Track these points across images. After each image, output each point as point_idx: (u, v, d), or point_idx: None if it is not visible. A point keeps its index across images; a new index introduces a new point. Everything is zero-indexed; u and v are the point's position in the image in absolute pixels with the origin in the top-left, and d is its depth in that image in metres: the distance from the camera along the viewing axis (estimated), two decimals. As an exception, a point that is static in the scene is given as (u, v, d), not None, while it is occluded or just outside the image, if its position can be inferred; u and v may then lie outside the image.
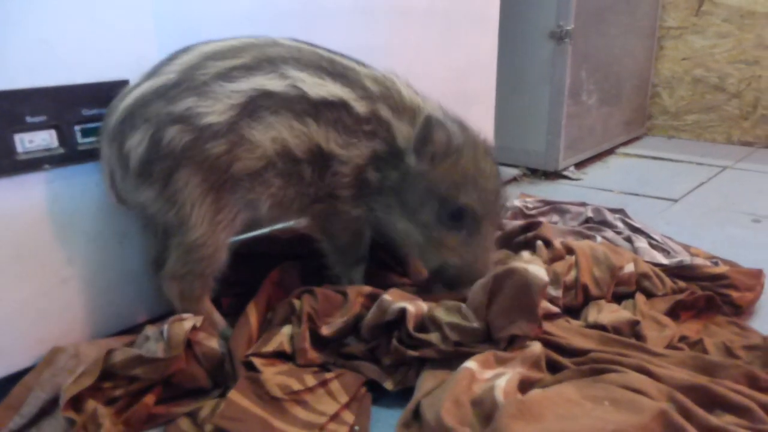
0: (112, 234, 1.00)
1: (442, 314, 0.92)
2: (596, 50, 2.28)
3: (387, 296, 0.94)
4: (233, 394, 0.81)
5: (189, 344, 0.91)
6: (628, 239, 1.42)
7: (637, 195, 2.02)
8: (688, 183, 2.13)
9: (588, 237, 1.45)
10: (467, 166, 1.02)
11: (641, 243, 1.39)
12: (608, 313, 1.09)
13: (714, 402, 0.81)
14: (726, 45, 2.53)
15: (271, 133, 0.94)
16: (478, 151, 1.05)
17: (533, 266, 0.90)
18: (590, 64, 2.25)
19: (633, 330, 1.04)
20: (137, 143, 0.89)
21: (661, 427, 0.73)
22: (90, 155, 0.94)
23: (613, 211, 1.56)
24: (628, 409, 0.76)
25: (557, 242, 1.21)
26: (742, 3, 2.44)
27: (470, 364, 0.83)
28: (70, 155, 0.93)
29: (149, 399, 0.84)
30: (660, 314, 1.10)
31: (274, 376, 0.87)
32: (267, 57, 0.97)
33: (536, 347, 0.87)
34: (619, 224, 1.49)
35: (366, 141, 1.02)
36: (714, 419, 0.76)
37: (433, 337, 0.89)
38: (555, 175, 2.24)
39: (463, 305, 0.93)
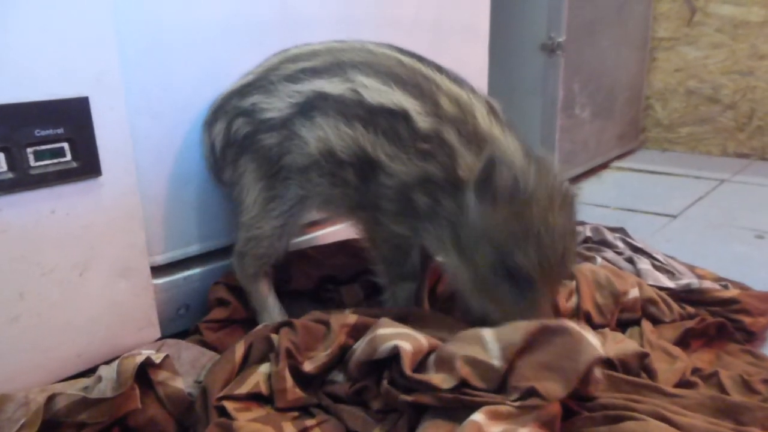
0: (71, 266, 0.91)
1: (455, 347, 0.79)
2: (588, 63, 2.22)
3: (381, 330, 0.84)
4: (201, 447, 0.72)
5: (151, 385, 0.82)
6: (630, 260, 1.35)
7: (633, 211, 1.95)
8: (686, 198, 2.06)
9: (587, 258, 1.37)
10: (533, 218, 0.86)
11: (644, 264, 1.31)
12: (614, 344, 1.00)
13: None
14: (719, 56, 2.48)
15: (318, 133, 0.98)
16: (553, 202, 0.87)
17: (591, 335, 0.77)
18: (582, 77, 2.19)
19: (641, 363, 0.95)
20: (218, 131, 1.05)
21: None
22: (44, 180, 0.85)
23: (613, 230, 1.48)
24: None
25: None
26: (735, 13, 2.40)
27: (477, 416, 0.72)
28: (20, 180, 0.83)
29: (103, 451, 0.75)
30: (669, 344, 1.02)
31: (248, 423, 0.78)
32: (338, 61, 1.00)
33: (555, 407, 0.76)
34: (620, 244, 1.41)
35: (417, 160, 0.94)
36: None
37: (435, 377, 0.78)
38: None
39: (487, 336, 0.79)
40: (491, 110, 0.97)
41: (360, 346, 0.84)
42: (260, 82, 1.03)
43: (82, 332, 0.93)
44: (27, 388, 0.86)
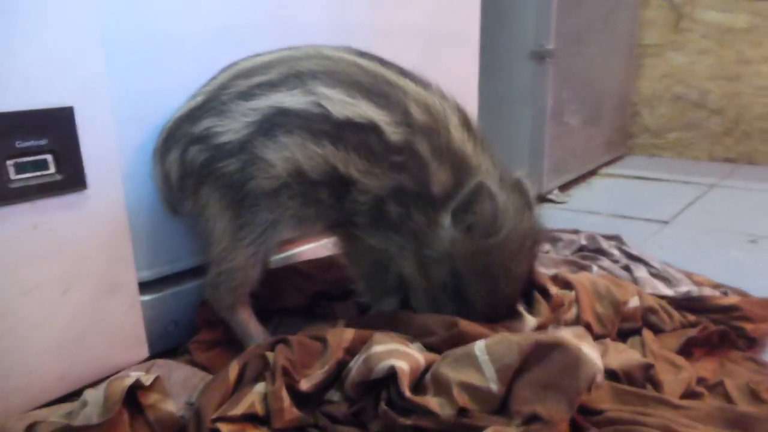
0: (55, 283, 0.86)
1: (449, 370, 0.76)
2: (576, 70, 2.21)
3: (376, 347, 0.81)
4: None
5: (140, 408, 0.78)
6: (627, 268, 1.33)
7: (625, 217, 1.94)
8: (676, 203, 2.06)
9: (583, 267, 1.36)
10: (497, 262, 0.89)
11: (641, 272, 1.30)
12: (616, 354, 0.98)
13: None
14: (706, 61, 2.49)
15: (284, 153, 0.91)
16: (521, 246, 0.90)
17: (587, 347, 0.74)
18: (571, 84, 2.18)
19: (647, 375, 0.93)
20: (173, 161, 0.97)
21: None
22: (25, 194, 0.81)
23: (608, 237, 1.47)
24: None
25: (555, 290, 1.08)
26: (722, 19, 2.42)
27: None
28: (1, 194, 0.79)
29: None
30: (672, 354, 1.00)
31: (243, 448, 0.75)
32: (296, 72, 0.93)
33: (561, 426, 0.74)
34: (616, 252, 1.40)
35: (391, 173, 0.91)
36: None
37: (433, 402, 0.75)
38: (539, 198, 2.15)
39: (481, 354, 0.77)
40: (464, 121, 0.94)
41: (355, 366, 0.81)
42: (211, 104, 0.94)
43: (65, 353, 0.89)
44: (5, 416, 0.82)
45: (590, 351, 0.74)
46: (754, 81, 2.41)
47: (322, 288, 1.11)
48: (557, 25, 2.01)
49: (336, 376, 0.84)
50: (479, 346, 0.78)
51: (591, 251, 1.41)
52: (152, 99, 0.99)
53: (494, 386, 0.74)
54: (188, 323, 1.08)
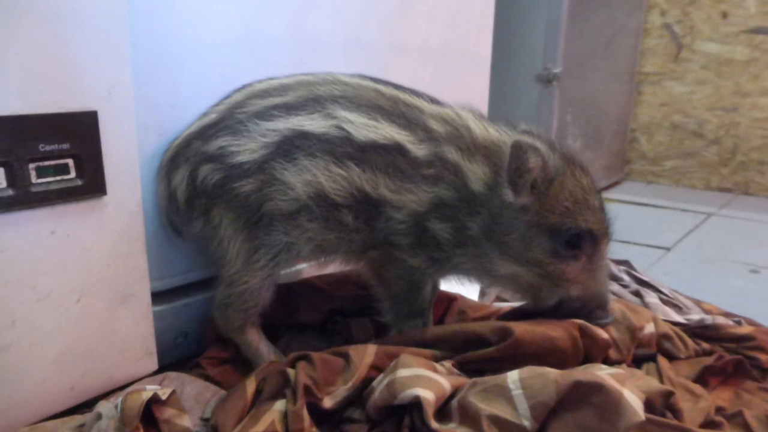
0: (68, 291, 0.84)
1: (478, 401, 0.74)
2: (579, 95, 2.23)
3: (401, 371, 0.79)
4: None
5: (155, 423, 0.76)
6: (637, 293, 1.33)
7: (627, 243, 1.94)
8: (677, 230, 2.07)
9: (593, 290, 1.35)
10: (572, 186, 0.90)
11: (652, 298, 1.29)
12: (634, 380, 0.97)
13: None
14: (704, 91, 2.53)
15: (305, 177, 0.90)
16: (575, 168, 0.92)
17: (629, 392, 0.72)
18: (575, 108, 2.20)
19: (666, 402, 0.92)
20: (180, 181, 0.94)
21: None
22: (45, 199, 0.79)
23: (618, 262, 1.47)
24: None
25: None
26: (721, 50, 2.46)
27: None
28: (20, 198, 0.77)
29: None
30: (690, 382, 0.99)
31: (263, 467, 0.72)
32: (314, 96, 0.93)
33: None
34: (625, 277, 1.39)
35: (426, 186, 0.91)
36: None
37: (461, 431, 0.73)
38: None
39: (514, 387, 0.74)
40: (480, 116, 0.97)
41: (378, 388, 0.79)
42: (226, 122, 0.93)
43: (76, 363, 0.86)
44: (13, 426, 0.79)
45: (632, 397, 0.72)
46: (752, 113, 2.44)
47: (337, 304, 1.09)
48: (562, 49, 2.03)
49: (359, 393, 0.82)
50: (513, 378, 0.76)
51: (600, 275, 1.41)
52: (171, 107, 0.98)
53: (527, 423, 0.72)
54: (198, 335, 1.05)
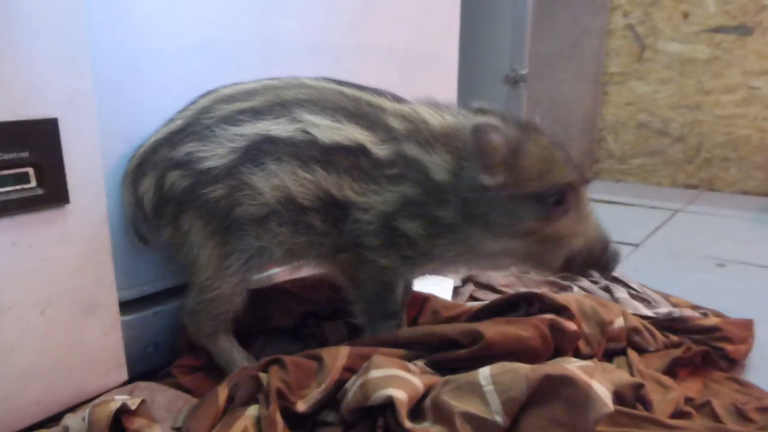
0: (32, 304, 0.82)
1: (451, 398, 0.75)
2: (547, 95, 2.27)
3: (374, 372, 0.79)
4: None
5: (126, 435, 0.75)
6: (606, 289, 1.35)
7: (597, 240, 1.97)
8: (645, 227, 2.11)
9: (563, 288, 1.37)
10: (537, 149, 0.90)
11: (621, 293, 1.31)
12: (605, 374, 0.98)
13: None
14: (668, 90, 2.58)
15: (273, 181, 0.90)
16: (532, 132, 0.92)
17: (598, 384, 0.73)
18: (542, 109, 2.23)
19: (637, 394, 0.93)
20: (147, 188, 0.94)
21: None
22: (5, 209, 0.77)
23: (587, 259, 1.48)
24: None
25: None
26: (683, 50, 2.51)
27: None
28: (-22, 209, 0.75)
29: None
30: (660, 374, 1.01)
31: (236, 474, 0.71)
32: (281, 100, 0.93)
33: None
34: (595, 273, 1.41)
35: (390, 186, 0.91)
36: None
37: (434, 430, 0.73)
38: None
39: (486, 384, 0.75)
40: (435, 105, 0.98)
41: (351, 390, 0.79)
42: (192, 128, 0.92)
43: (42, 376, 0.84)
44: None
45: (601, 389, 0.73)
46: (714, 110, 2.50)
47: (310, 308, 1.09)
48: (529, 50, 2.06)
49: (332, 396, 0.82)
50: (484, 375, 0.76)
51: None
52: (135, 114, 0.97)
53: (499, 419, 0.72)
54: (169, 345, 1.04)
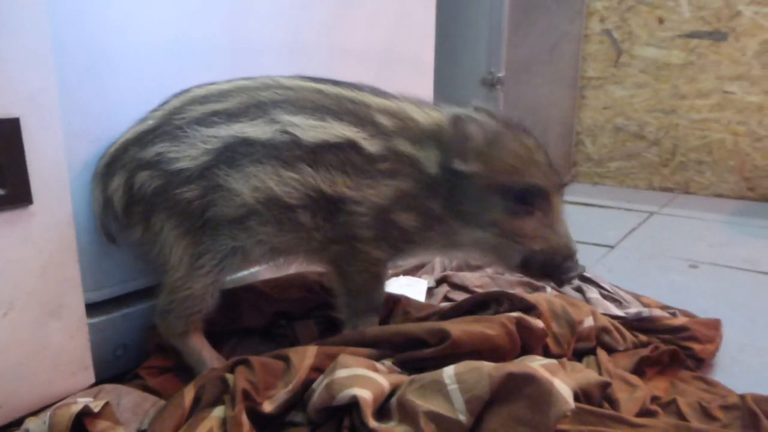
0: (-6, 305, 0.81)
1: (416, 397, 0.75)
2: (524, 99, 2.28)
3: (340, 372, 0.79)
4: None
5: (89, 438, 0.74)
6: (579, 289, 1.36)
7: (573, 242, 1.99)
8: (620, 229, 2.13)
9: (537, 288, 1.38)
10: (515, 146, 0.94)
11: (593, 293, 1.33)
12: (573, 374, 0.99)
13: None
14: (644, 95, 2.62)
15: (253, 183, 0.90)
16: (517, 131, 0.96)
17: (560, 382, 0.75)
18: (520, 112, 2.24)
19: (604, 393, 0.94)
20: (116, 188, 0.93)
21: None
22: (-35, 209, 0.76)
23: (561, 260, 1.50)
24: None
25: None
26: (658, 55, 2.55)
27: None
28: (-62, 209, 0.74)
29: None
30: (627, 373, 1.02)
31: (199, 475, 0.71)
32: (256, 102, 0.93)
33: None
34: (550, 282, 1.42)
35: (385, 180, 0.94)
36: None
37: (398, 431, 0.74)
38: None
39: (450, 383, 0.75)
40: (419, 102, 1.01)
41: (318, 390, 0.79)
42: (163, 128, 0.92)
43: (5, 380, 0.83)
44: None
45: (562, 387, 0.74)
46: (689, 114, 2.54)
47: (282, 308, 1.08)
48: (506, 53, 2.07)
49: (300, 396, 0.82)
50: (449, 374, 0.77)
51: (544, 274, 1.43)
52: (102, 113, 0.96)
53: (463, 417, 0.73)
54: (138, 347, 1.03)
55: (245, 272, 1.17)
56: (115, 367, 1.01)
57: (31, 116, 0.81)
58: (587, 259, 1.73)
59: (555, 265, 0.96)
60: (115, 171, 0.93)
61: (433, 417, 0.73)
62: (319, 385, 0.80)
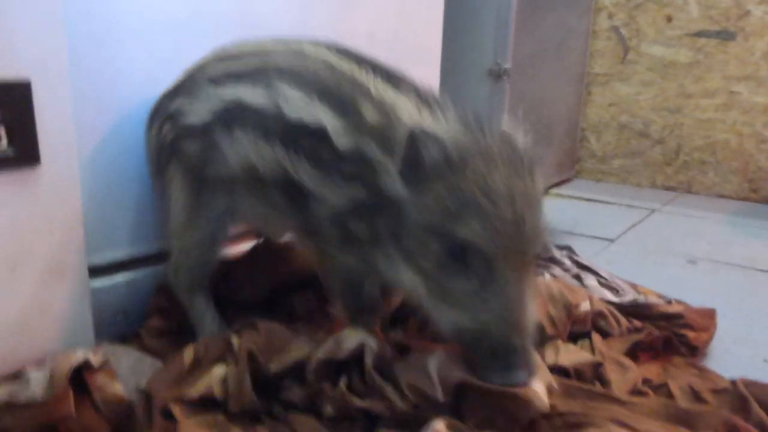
0: (1, 260, 0.83)
1: (402, 369, 0.76)
2: (530, 93, 2.29)
3: (348, 330, 0.81)
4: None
5: (87, 389, 0.75)
6: (577, 277, 1.37)
7: (573, 234, 2.00)
8: (621, 224, 2.14)
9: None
10: (467, 185, 0.72)
11: (590, 281, 1.34)
12: (568, 354, 1.01)
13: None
14: (650, 93, 2.62)
15: (237, 148, 0.90)
16: (493, 162, 0.73)
17: (537, 383, 0.75)
18: (525, 105, 2.25)
19: (596, 372, 0.96)
20: (153, 135, 1.00)
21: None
22: (-26, 167, 0.78)
23: (560, 247, 1.51)
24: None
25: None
26: (665, 53, 2.55)
27: (438, 425, 0.70)
28: (-54, 165, 0.76)
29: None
30: (620, 355, 1.03)
31: (194, 428, 0.72)
32: (265, 66, 0.91)
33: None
34: (567, 261, 1.44)
35: (344, 183, 0.82)
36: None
37: (389, 390, 0.75)
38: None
39: (432, 363, 0.75)
40: (423, 102, 0.83)
41: (324, 346, 0.81)
42: (187, 83, 0.96)
43: (8, 335, 0.85)
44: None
45: (540, 389, 0.76)
46: (694, 114, 2.54)
47: (280, 279, 1.10)
48: (514, 47, 2.08)
49: (302, 367, 0.83)
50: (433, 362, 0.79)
51: (543, 260, 1.45)
52: (109, 81, 0.98)
53: (441, 396, 0.75)
54: (138, 314, 1.05)
55: (244, 245, 1.19)
56: (114, 332, 1.03)
57: (41, 79, 0.83)
58: (586, 252, 1.74)
59: (484, 356, 0.74)
60: (153, 120, 1.01)
61: (413, 390, 0.76)
62: (326, 344, 0.82)
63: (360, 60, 0.90)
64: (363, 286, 0.90)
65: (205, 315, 0.99)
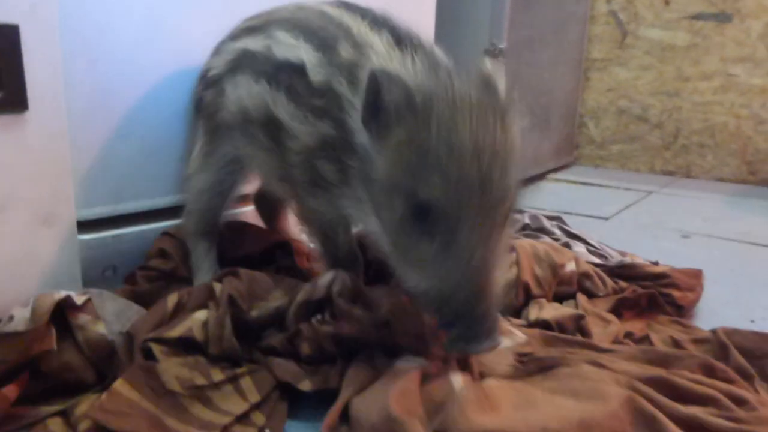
0: (-13, 206, 0.84)
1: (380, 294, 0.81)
2: (527, 76, 2.29)
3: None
4: (119, 384, 0.68)
5: (69, 328, 0.77)
6: (566, 245, 1.37)
7: (569, 214, 2.00)
8: (617, 204, 2.14)
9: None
10: (430, 135, 0.66)
11: (579, 248, 1.34)
12: (551, 309, 1.01)
13: (676, 393, 0.73)
14: (648, 77, 2.62)
15: (237, 91, 0.95)
16: (461, 111, 0.67)
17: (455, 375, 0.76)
18: (522, 87, 2.25)
19: (577, 325, 0.97)
20: (193, 96, 1.10)
21: (630, 414, 0.65)
22: (-38, 108, 0.80)
23: (551, 218, 1.52)
24: (590, 397, 0.68)
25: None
26: (663, 37, 2.55)
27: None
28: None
29: (10, 391, 0.68)
30: (603, 311, 1.04)
31: (174, 366, 0.74)
32: (271, 19, 0.97)
33: None
34: (557, 231, 1.44)
35: (313, 118, 0.81)
36: (683, 408, 0.68)
37: (357, 311, 0.77)
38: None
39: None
40: (397, 43, 0.79)
41: (303, 290, 0.82)
42: (218, 45, 1.05)
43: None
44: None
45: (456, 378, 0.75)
46: (692, 97, 2.54)
47: (281, 238, 1.12)
48: (510, 29, 2.08)
49: (283, 316, 0.84)
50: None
51: (534, 230, 1.45)
52: (100, 34, 1.00)
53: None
54: (127, 270, 1.06)
55: (245, 209, 1.21)
56: (102, 286, 1.03)
57: (30, 25, 0.85)
58: (580, 229, 1.75)
59: (451, 314, 0.68)
60: (196, 84, 1.09)
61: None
62: (305, 287, 0.84)
63: (355, 8, 0.89)
64: (338, 234, 0.90)
65: (204, 262, 1.04)
